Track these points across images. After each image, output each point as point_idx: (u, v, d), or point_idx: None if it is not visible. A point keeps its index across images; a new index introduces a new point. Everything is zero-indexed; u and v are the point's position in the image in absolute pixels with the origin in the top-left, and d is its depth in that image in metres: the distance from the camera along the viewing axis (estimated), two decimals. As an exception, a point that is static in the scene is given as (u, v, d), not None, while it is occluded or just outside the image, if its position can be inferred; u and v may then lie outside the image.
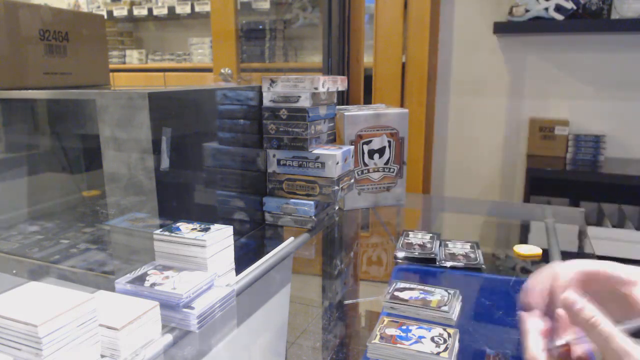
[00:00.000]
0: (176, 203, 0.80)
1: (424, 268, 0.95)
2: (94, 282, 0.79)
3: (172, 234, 0.67)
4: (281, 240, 0.94)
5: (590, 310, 0.45)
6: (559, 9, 2.04)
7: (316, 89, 0.95)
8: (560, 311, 0.49)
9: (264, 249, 0.93)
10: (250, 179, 1.00)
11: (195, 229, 0.68)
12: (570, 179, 2.21)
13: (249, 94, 0.98)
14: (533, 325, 0.51)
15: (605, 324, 0.44)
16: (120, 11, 3.45)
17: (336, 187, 0.97)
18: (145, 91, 0.72)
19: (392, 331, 0.69)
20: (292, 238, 0.95)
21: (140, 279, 0.63)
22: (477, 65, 2.34)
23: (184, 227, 0.69)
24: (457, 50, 2.37)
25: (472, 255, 0.97)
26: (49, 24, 0.99)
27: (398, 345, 0.65)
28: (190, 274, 0.64)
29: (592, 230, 1.97)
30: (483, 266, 0.93)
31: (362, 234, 1.28)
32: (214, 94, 0.93)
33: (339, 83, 1.06)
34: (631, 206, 2.22)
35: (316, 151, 0.98)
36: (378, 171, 1.25)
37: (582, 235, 1.17)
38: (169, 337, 0.59)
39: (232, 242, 0.70)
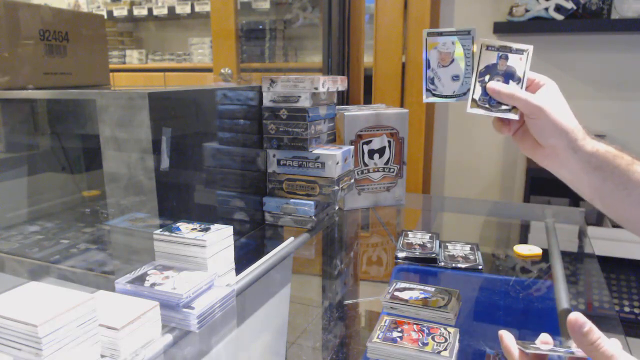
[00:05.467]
0: (176, 203, 0.80)
1: (424, 268, 0.95)
2: (94, 282, 0.79)
3: (172, 234, 0.67)
4: (281, 240, 0.94)
5: (596, 333, 0.47)
6: (559, 9, 2.04)
7: (316, 89, 0.95)
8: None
9: (264, 249, 0.93)
10: (250, 179, 1.00)
11: (195, 229, 0.68)
12: (570, 179, 2.20)
13: (249, 94, 0.98)
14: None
15: (608, 345, 0.47)
16: (120, 11, 3.44)
17: (336, 187, 0.97)
18: (145, 91, 0.72)
19: (392, 332, 0.69)
20: (292, 238, 0.95)
21: (140, 279, 0.63)
22: (477, 65, 2.34)
23: (184, 227, 0.69)
24: (457, 50, 2.37)
25: (471, 257, 0.97)
26: (49, 24, 0.99)
27: (398, 345, 0.65)
28: (190, 274, 0.64)
29: (592, 230, 1.97)
30: (481, 267, 0.93)
31: (362, 234, 1.28)
32: (214, 94, 0.93)
33: (339, 83, 1.06)
34: (631, 206, 2.21)
35: (316, 151, 0.98)
36: (378, 171, 1.25)
37: (582, 235, 1.17)
38: (169, 337, 0.59)
39: (232, 242, 0.70)
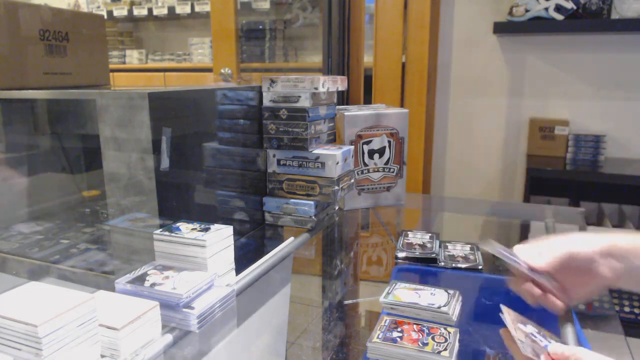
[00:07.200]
0: (176, 203, 0.80)
1: (424, 268, 0.95)
2: (94, 282, 0.79)
3: (172, 234, 0.67)
4: (281, 240, 0.94)
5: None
6: (559, 9, 2.04)
7: (316, 89, 0.95)
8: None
9: (264, 249, 0.93)
10: (250, 179, 1.00)
11: (195, 229, 0.68)
12: (570, 179, 2.21)
13: (249, 94, 0.98)
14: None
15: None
16: (120, 11, 3.44)
17: (336, 187, 0.97)
18: (145, 91, 0.72)
19: (392, 331, 0.69)
20: (292, 238, 0.95)
21: (140, 279, 0.63)
22: (477, 65, 2.34)
23: (184, 227, 0.69)
24: (457, 50, 2.37)
25: (471, 257, 0.97)
26: (49, 24, 0.99)
27: (398, 345, 0.65)
28: (190, 274, 0.64)
29: (592, 230, 1.97)
30: (481, 267, 0.93)
31: (362, 234, 1.28)
32: (214, 94, 0.93)
33: (339, 83, 1.06)
34: (631, 206, 2.21)
35: (316, 151, 0.98)
36: (378, 171, 1.25)
37: (582, 235, 1.17)
38: (169, 337, 0.59)
39: (232, 242, 0.70)
